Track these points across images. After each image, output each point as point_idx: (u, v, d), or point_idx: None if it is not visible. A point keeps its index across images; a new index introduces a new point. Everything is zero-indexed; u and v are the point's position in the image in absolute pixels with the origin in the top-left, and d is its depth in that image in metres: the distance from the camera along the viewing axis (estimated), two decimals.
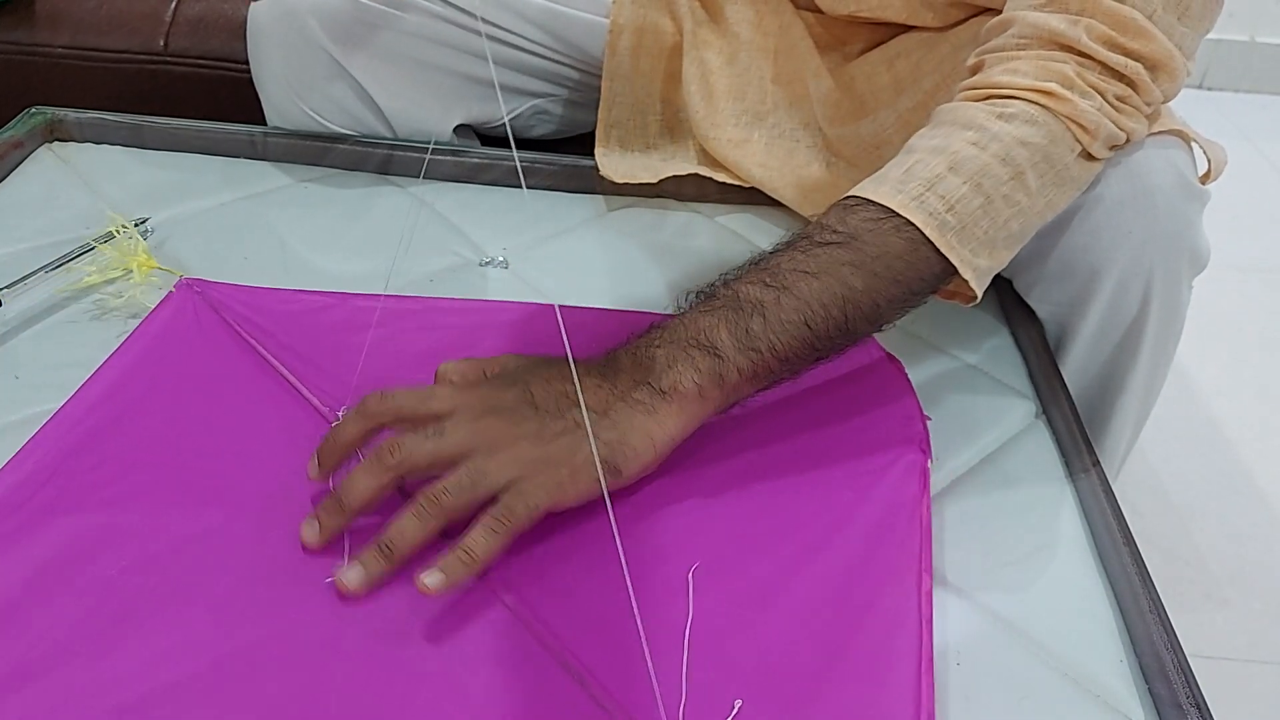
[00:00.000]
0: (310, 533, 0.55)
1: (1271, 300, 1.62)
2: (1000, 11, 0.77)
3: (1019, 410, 0.72)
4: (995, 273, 0.65)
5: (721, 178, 0.90)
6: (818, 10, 0.89)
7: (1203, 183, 0.74)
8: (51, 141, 0.92)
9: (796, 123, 0.91)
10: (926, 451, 0.65)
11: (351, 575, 0.53)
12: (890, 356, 0.72)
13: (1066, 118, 0.64)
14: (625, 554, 0.52)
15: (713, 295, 0.60)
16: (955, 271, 0.62)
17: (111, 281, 0.75)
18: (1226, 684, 1.00)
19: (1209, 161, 0.77)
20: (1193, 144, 0.75)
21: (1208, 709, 0.51)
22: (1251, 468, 1.27)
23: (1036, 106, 0.64)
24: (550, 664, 0.52)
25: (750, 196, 0.90)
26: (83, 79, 1.11)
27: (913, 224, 0.60)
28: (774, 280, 0.59)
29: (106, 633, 0.51)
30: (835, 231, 0.61)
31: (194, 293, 0.73)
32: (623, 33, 0.90)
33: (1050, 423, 0.71)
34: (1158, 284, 0.73)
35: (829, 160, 0.89)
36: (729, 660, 0.52)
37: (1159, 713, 0.53)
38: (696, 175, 0.91)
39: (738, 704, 0.50)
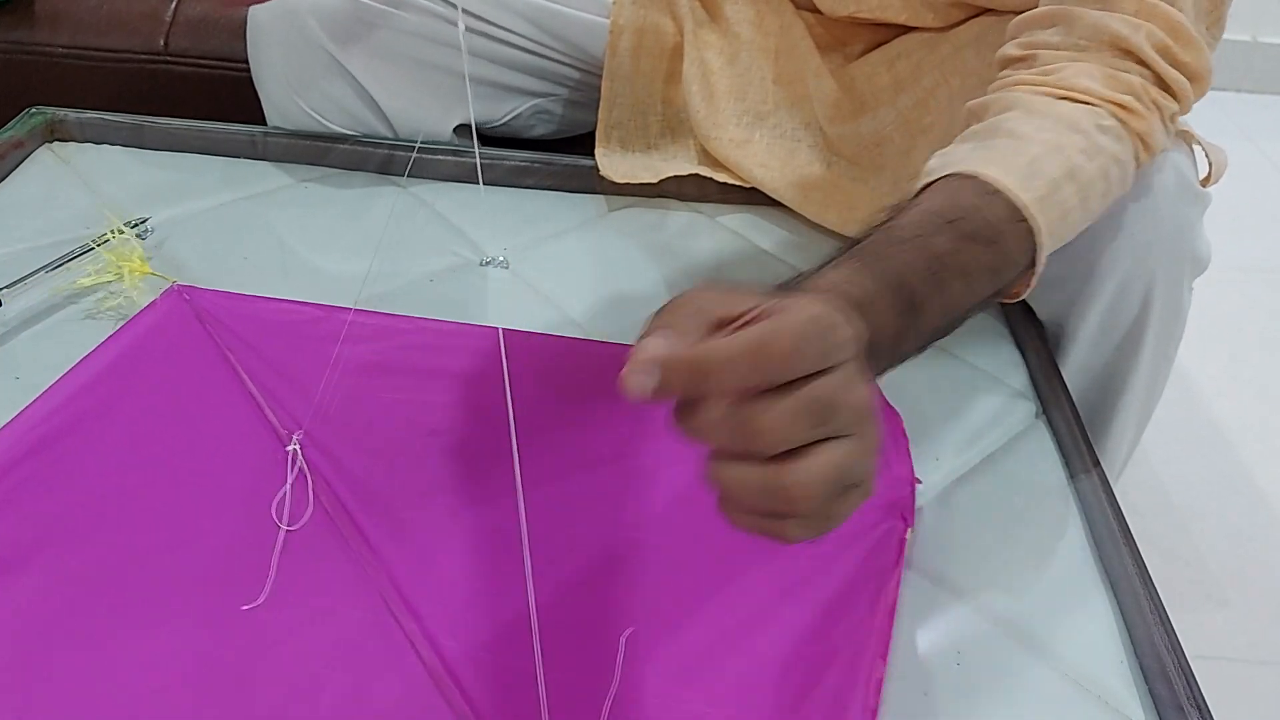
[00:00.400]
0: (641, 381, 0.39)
1: (1272, 300, 1.61)
2: (1001, 13, 0.77)
3: (1019, 410, 0.72)
4: None
5: (722, 178, 0.90)
6: (818, 11, 0.89)
7: (1204, 185, 0.74)
8: (51, 141, 0.92)
9: (797, 123, 0.91)
10: (909, 520, 0.61)
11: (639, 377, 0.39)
12: (891, 409, 0.69)
13: (1138, 135, 0.62)
14: (564, 610, 0.52)
15: (880, 263, 0.51)
16: (1023, 278, 0.59)
17: (107, 284, 0.75)
18: (1227, 684, 1.00)
19: (1210, 164, 0.76)
20: (1194, 146, 0.75)
21: (1208, 709, 0.51)
22: (1252, 468, 1.26)
23: (1118, 121, 0.62)
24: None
25: (751, 196, 0.90)
26: (83, 79, 1.10)
27: (1033, 229, 0.56)
28: (936, 277, 0.52)
29: (18, 650, 0.50)
30: (982, 224, 0.55)
31: (182, 300, 0.73)
32: (623, 33, 0.90)
33: (1050, 423, 0.71)
34: (1159, 286, 0.73)
35: (830, 160, 0.89)
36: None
37: (1159, 713, 0.53)
38: (697, 175, 0.91)
39: None
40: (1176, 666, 0.53)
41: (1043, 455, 0.69)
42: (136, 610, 0.53)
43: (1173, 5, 0.62)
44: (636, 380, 0.38)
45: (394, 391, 0.67)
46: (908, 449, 0.66)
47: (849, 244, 0.53)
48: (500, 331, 0.53)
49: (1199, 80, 0.65)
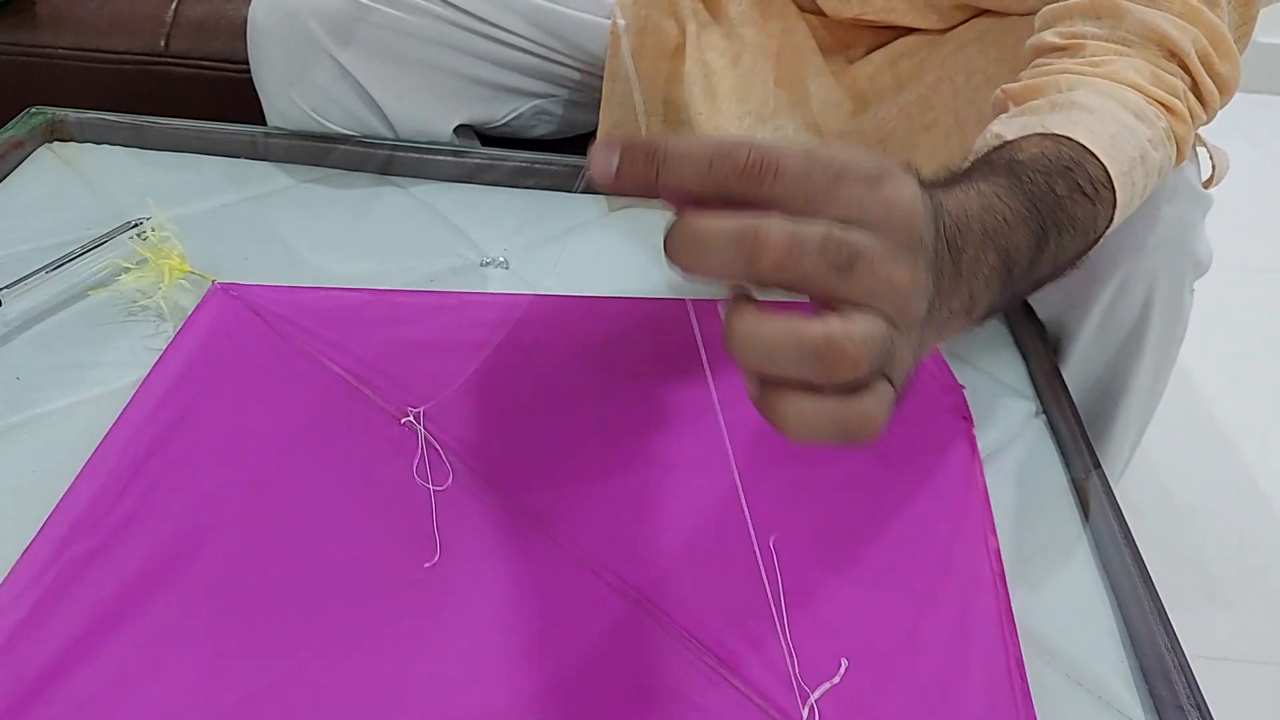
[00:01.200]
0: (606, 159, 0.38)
1: (1272, 301, 1.61)
2: (1002, 14, 0.77)
3: (1019, 410, 0.72)
4: None
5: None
6: (821, 13, 0.89)
7: (1205, 187, 0.74)
8: (52, 142, 0.92)
9: (800, 124, 0.91)
10: (968, 417, 0.68)
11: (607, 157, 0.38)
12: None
13: (1177, 139, 0.62)
14: (712, 528, 0.57)
15: (1021, 179, 0.50)
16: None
17: (139, 282, 0.75)
18: (1227, 685, 1.00)
19: (1213, 166, 0.76)
20: (1197, 148, 0.75)
21: (1208, 710, 0.51)
22: (1252, 468, 1.26)
23: (1167, 124, 0.61)
24: (661, 634, 0.54)
25: None
26: (84, 80, 1.11)
27: (1115, 202, 0.56)
28: (1058, 213, 0.51)
29: (210, 637, 0.52)
30: (1093, 181, 0.54)
31: (231, 297, 0.74)
32: (624, 34, 0.90)
33: (1050, 423, 0.71)
34: (1160, 287, 0.73)
35: None
36: (825, 624, 0.54)
37: (1160, 714, 0.53)
38: None
39: (844, 663, 0.52)
40: (1176, 666, 0.53)
41: (1043, 455, 0.69)
42: (316, 595, 0.54)
43: (1213, 13, 0.62)
44: (599, 158, 0.37)
45: (477, 361, 0.70)
46: (945, 362, 0.73)
47: (973, 160, 0.51)
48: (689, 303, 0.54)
49: (1228, 93, 0.64)
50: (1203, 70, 0.62)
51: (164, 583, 0.54)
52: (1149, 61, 0.61)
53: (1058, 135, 0.55)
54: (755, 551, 0.56)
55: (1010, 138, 0.56)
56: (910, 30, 0.86)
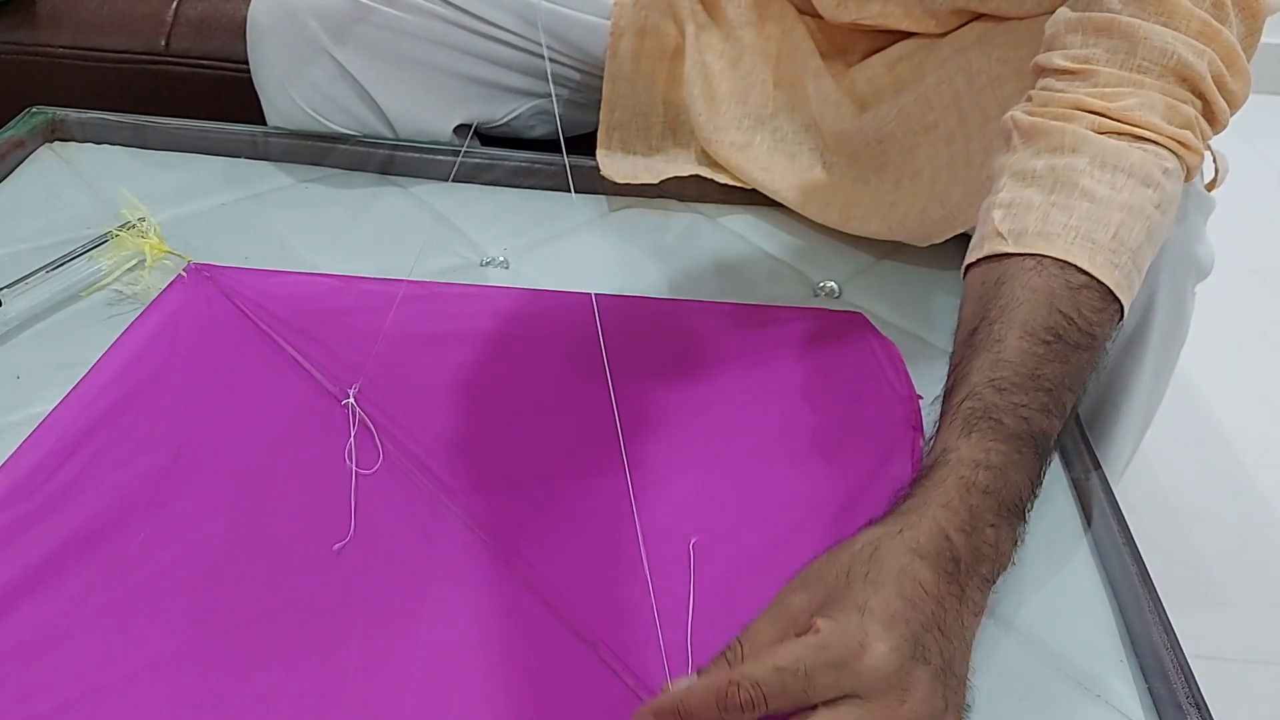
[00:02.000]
0: None
1: (1271, 302, 1.62)
2: (1000, 18, 0.76)
3: None
4: None
5: (723, 179, 0.90)
6: (820, 16, 0.89)
7: (1208, 189, 0.74)
8: (52, 141, 0.92)
9: (798, 126, 0.91)
10: (919, 427, 0.67)
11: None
12: (883, 337, 0.76)
13: (1189, 168, 0.62)
14: (632, 529, 0.57)
15: (1004, 425, 0.53)
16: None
17: (127, 270, 0.76)
18: (1226, 684, 1.00)
19: (1216, 169, 0.76)
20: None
21: (1207, 709, 0.51)
22: (1251, 468, 1.27)
23: (1177, 158, 0.61)
24: (561, 632, 0.54)
25: (752, 197, 0.90)
26: (84, 79, 1.11)
27: (1122, 304, 0.58)
28: (1055, 405, 0.55)
29: (126, 607, 0.53)
30: (1079, 330, 0.56)
31: (204, 278, 0.75)
32: (624, 35, 0.91)
33: None
34: (1162, 291, 0.73)
35: (831, 163, 0.89)
36: (730, 628, 0.53)
37: (1159, 713, 0.53)
38: (698, 176, 0.91)
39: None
40: (1176, 666, 0.53)
41: None
42: (228, 571, 0.55)
43: (1226, 28, 0.61)
44: None
45: (434, 351, 0.71)
46: (906, 370, 0.73)
47: (959, 401, 0.55)
48: (594, 296, 0.63)
49: (1237, 107, 0.64)
50: (1216, 91, 0.61)
51: (85, 553, 0.55)
52: (1164, 93, 0.60)
53: (1051, 260, 0.57)
54: (641, 554, 0.57)
55: (995, 249, 0.59)
56: (908, 34, 0.86)
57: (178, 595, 0.54)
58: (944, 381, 0.58)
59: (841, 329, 0.77)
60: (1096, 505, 0.64)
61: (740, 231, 0.89)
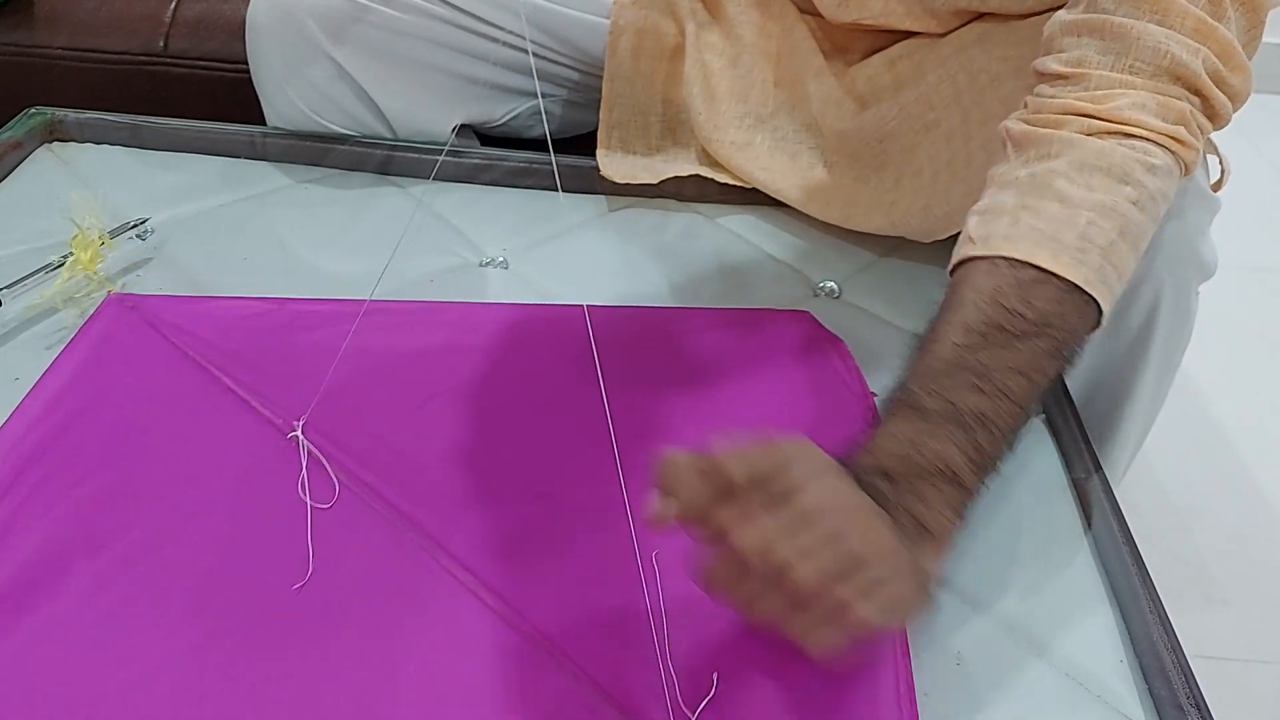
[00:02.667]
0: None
1: (1273, 301, 1.61)
2: (1004, 16, 0.76)
3: None
4: None
5: (723, 178, 0.90)
6: (820, 15, 0.89)
7: (1214, 190, 0.74)
8: (51, 142, 0.92)
9: (799, 125, 0.91)
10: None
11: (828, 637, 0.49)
12: (834, 336, 0.76)
13: (1185, 163, 0.62)
14: (599, 547, 0.56)
15: (922, 407, 0.55)
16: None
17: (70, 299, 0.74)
18: (1226, 684, 1.00)
19: (1222, 169, 0.76)
20: (1207, 154, 0.75)
21: (1207, 709, 0.51)
22: (1252, 468, 1.26)
23: (1170, 154, 0.61)
24: (542, 659, 0.53)
25: (752, 197, 0.90)
26: (82, 80, 1.10)
27: (1095, 301, 0.58)
28: (988, 386, 0.55)
29: (66, 649, 0.51)
30: (1027, 320, 0.57)
31: (125, 308, 0.72)
32: (623, 34, 0.90)
33: (1051, 423, 0.71)
34: (1167, 291, 0.73)
35: (831, 162, 0.89)
36: (704, 639, 0.54)
37: (1159, 712, 0.53)
38: (698, 176, 0.91)
39: (715, 677, 0.52)
40: (1176, 665, 0.53)
41: (1043, 456, 0.69)
42: (179, 613, 0.53)
43: (1223, 25, 0.61)
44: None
45: (384, 372, 0.69)
46: (857, 367, 0.73)
47: (894, 390, 0.57)
48: (586, 310, 0.62)
49: (1239, 101, 0.63)
50: (1214, 87, 0.61)
51: (28, 594, 0.53)
52: (1157, 92, 0.60)
53: (1012, 262, 0.58)
54: (639, 569, 0.56)
55: (968, 253, 0.60)
56: (909, 34, 0.86)
57: (118, 638, 0.52)
58: None
59: (791, 329, 0.76)
60: (1097, 505, 0.64)
61: (740, 231, 0.89)
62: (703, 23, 0.90)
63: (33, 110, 0.91)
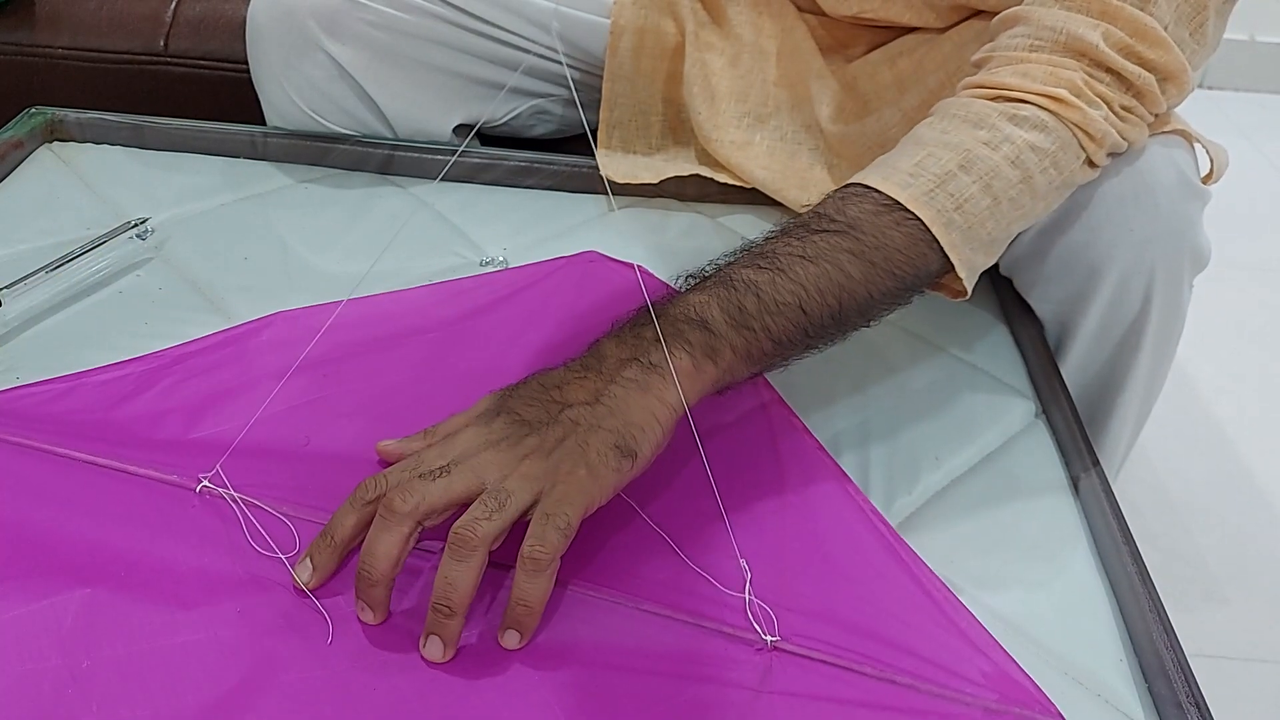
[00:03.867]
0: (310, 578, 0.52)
1: (1272, 300, 1.61)
2: (1001, 10, 0.76)
3: (1019, 410, 0.72)
4: (984, 269, 0.65)
5: (723, 178, 0.90)
6: (820, 13, 0.89)
7: (1205, 183, 0.74)
8: (52, 142, 0.92)
9: (799, 125, 0.91)
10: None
11: (432, 649, 0.50)
12: (625, 265, 0.79)
13: (1075, 125, 0.64)
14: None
15: (704, 276, 0.59)
16: (951, 269, 0.62)
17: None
18: (1226, 683, 1.00)
19: (1211, 162, 0.77)
20: (1195, 144, 0.75)
21: (1207, 708, 0.51)
22: (1252, 467, 1.27)
23: (1047, 112, 0.64)
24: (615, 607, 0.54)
25: (752, 197, 0.90)
26: (83, 80, 1.11)
27: (917, 218, 0.60)
28: (769, 263, 0.58)
29: None
30: (833, 220, 0.60)
31: None
32: (624, 34, 0.90)
33: (1050, 422, 0.71)
34: (1159, 282, 0.73)
35: (831, 163, 0.89)
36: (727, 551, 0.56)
37: (1159, 712, 0.53)
38: (698, 176, 0.91)
39: (744, 565, 0.55)
40: (1176, 665, 0.53)
41: (1043, 455, 0.69)
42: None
43: (1143, 9, 0.64)
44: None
45: (264, 400, 0.63)
46: (660, 281, 0.76)
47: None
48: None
49: (1173, 79, 0.67)
50: (1120, 59, 0.64)
51: None
52: (1049, 64, 0.65)
53: (847, 189, 0.62)
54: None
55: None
56: (909, 29, 0.86)
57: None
58: None
59: (589, 270, 0.79)
60: (1096, 503, 0.64)
61: (740, 231, 0.89)
62: (702, 22, 0.91)
63: (33, 110, 0.91)
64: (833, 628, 0.53)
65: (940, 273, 0.63)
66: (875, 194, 0.61)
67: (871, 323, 0.63)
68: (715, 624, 0.53)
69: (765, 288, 0.57)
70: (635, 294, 0.67)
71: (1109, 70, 0.65)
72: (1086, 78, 0.64)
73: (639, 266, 0.76)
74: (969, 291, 0.64)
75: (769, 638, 0.52)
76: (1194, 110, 0.75)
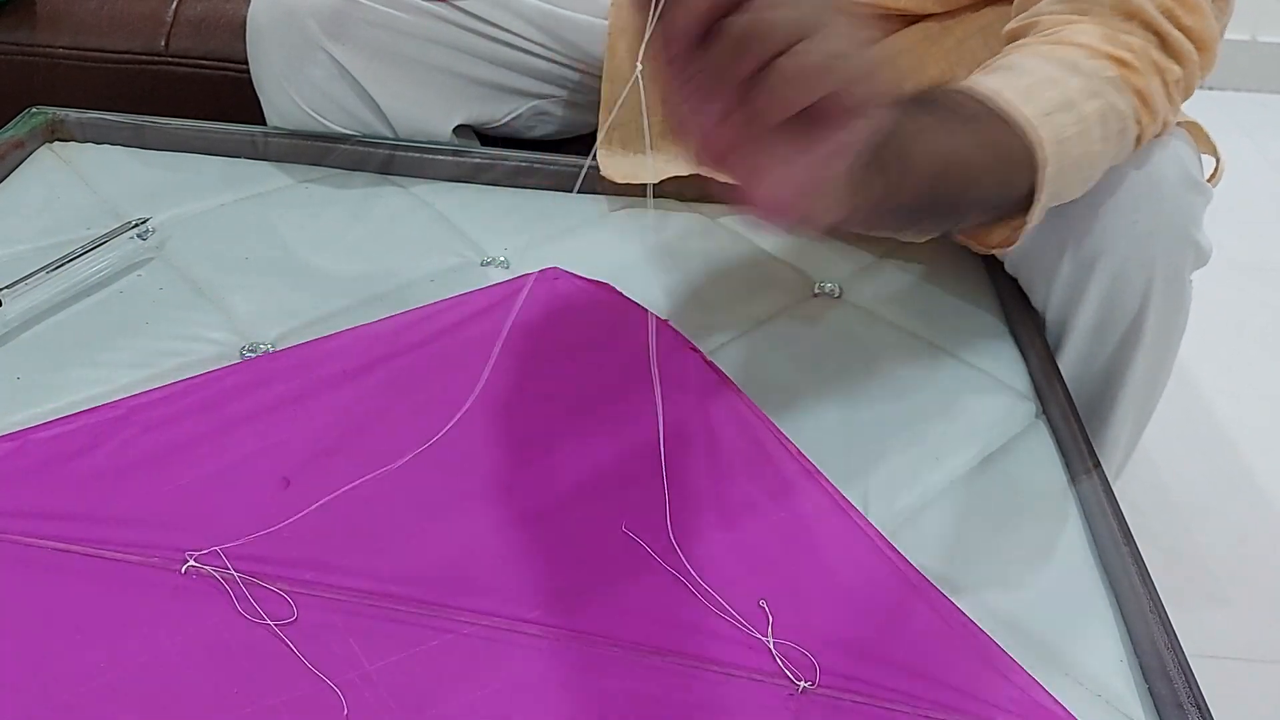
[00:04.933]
0: None
1: (1272, 299, 1.61)
2: (1004, 2, 0.76)
3: (1019, 410, 0.72)
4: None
5: (724, 178, 0.90)
6: None
7: (1209, 182, 0.74)
8: (52, 141, 0.92)
9: None
10: (687, 344, 0.73)
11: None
12: (588, 282, 0.78)
13: (1136, 92, 0.62)
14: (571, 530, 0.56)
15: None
16: (1024, 209, 0.60)
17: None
18: (1227, 683, 1.00)
19: (1217, 161, 0.76)
20: (1200, 150, 0.75)
21: (1208, 708, 0.51)
22: (1252, 467, 1.26)
23: (1117, 75, 0.61)
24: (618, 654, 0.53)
25: None
26: (84, 80, 1.11)
27: (1027, 139, 0.57)
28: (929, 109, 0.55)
29: None
30: (974, 108, 0.57)
31: None
32: (622, 35, 0.90)
33: (1050, 423, 0.71)
34: (1159, 276, 0.73)
35: None
36: (731, 573, 0.57)
37: (1159, 712, 0.53)
38: (698, 176, 0.91)
39: (764, 604, 0.55)
40: (1176, 665, 0.53)
41: (1043, 455, 0.69)
42: None
43: None
44: None
45: (235, 450, 0.61)
46: (625, 298, 0.76)
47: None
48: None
49: (1205, 48, 0.65)
50: (1166, 23, 0.62)
51: None
52: (1102, 24, 0.62)
53: (961, 91, 0.59)
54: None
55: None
56: (910, 21, 0.86)
57: None
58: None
59: (554, 288, 0.78)
60: (1096, 504, 0.64)
61: (740, 231, 0.89)
62: None
63: (34, 110, 0.91)
64: (860, 664, 0.53)
65: (1016, 208, 0.60)
66: (994, 101, 0.58)
67: (952, 232, 0.60)
68: (743, 671, 0.52)
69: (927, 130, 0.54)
70: (605, 310, 0.67)
71: (1157, 34, 0.62)
72: (1145, 44, 0.62)
73: (609, 285, 0.76)
74: (1019, 239, 0.63)
75: (801, 683, 0.51)
76: (1194, 110, 0.75)
